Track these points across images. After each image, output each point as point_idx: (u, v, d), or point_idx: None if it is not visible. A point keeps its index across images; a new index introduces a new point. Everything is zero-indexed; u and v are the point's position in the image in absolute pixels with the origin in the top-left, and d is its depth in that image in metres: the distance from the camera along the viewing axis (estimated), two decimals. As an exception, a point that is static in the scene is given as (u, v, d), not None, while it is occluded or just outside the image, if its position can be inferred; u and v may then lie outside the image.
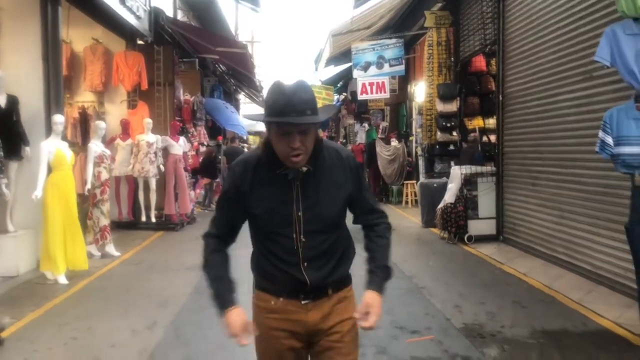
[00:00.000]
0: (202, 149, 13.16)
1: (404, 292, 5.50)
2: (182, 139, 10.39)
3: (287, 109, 1.69)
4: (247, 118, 1.94)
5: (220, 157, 13.78)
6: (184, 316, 4.82)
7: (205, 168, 12.72)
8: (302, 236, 1.81)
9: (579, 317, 4.63)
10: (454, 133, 9.81)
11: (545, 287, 5.55)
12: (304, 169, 1.80)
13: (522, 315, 4.68)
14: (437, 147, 10.20)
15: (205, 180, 13.15)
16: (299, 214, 1.81)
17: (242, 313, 1.84)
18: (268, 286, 1.90)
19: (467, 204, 8.19)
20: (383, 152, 13.79)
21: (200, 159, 12.60)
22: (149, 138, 9.36)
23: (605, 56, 3.82)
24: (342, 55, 13.27)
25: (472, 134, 9.63)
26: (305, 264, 1.82)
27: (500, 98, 7.97)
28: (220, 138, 15.84)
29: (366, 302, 1.82)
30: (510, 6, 7.65)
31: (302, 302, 1.85)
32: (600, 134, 3.81)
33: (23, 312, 4.85)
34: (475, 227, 8.18)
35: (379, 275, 1.90)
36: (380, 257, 1.93)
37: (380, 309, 1.83)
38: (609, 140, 3.76)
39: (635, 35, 3.70)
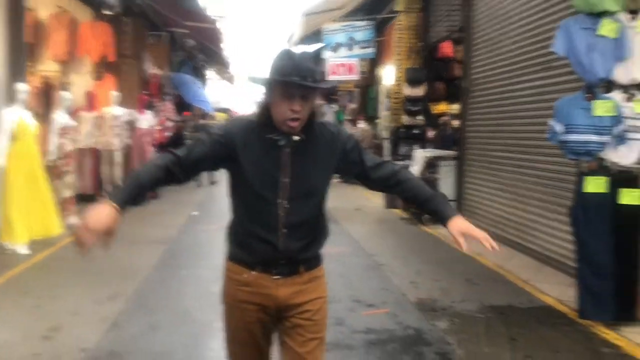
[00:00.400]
0: (169, 124, 13.06)
1: (364, 269, 5.71)
2: (149, 113, 10.30)
3: (294, 72, 1.75)
4: (251, 80, 1.94)
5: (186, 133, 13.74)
6: (147, 287, 4.90)
7: (174, 144, 12.66)
8: (285, 202, 1.84)
9: (525, 294, 4.92)
10: (419, 117, 10.02)
11: (496, 267, 5.85)
12: (296, 137, 1.84)
13: (472, 292, 4.94)
14: (403, 130, 10.41)
15: None
16: (286, 180, 1.84)
17: (113, 214, 1.75)
18: (242, 257, 1.91)
19: (428, 185, 8.44)
20: (351, 133, 13.96)
21: (169, 134, 12.53)
22: (115, 111, 9.24)
23: (560, 48, 4.03)
24: (314, 35, 13.28)
25: (443, 118, 9.87)
26: (285, 230, 1.85)
27: (465, 84, 8.20)
28: (187, 113, 15.72)
29: (459, 228, 1.86)
30: (478, -6, 7.84)
31: (274, 277, 1.88)
32: (551, 122, 4.03)
33: (-17, 281, 4.84)
34: (436, 208, 8.44)
35: (442, 203, 1.95)
36: (427, 191, 1.97)
37: (469, 225, 1.89)
38: (559, 128, 3.99)
39: (587, 29, 3.91)
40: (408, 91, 10.01)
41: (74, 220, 7.23)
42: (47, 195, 6.21)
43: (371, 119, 14.35)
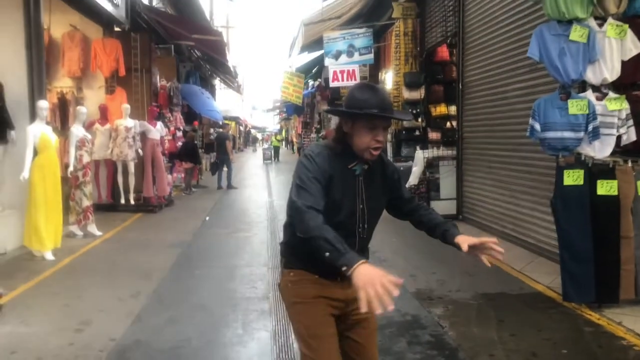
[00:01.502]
0: (179, 133, 13.50)
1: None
2: (159, 124, 10.74)
3: (379, 105, 1.91)
4: (328, 112, 1.98)
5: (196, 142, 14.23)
6: (165, 285, 5.30)
7: (187, 153, 13.13)
8: (360, 227, 2.02)
9: (517, 283, 5.27)
10: (420, 119, 10.37)
11: (494, 259, 6.16)
12: (365, 166, 2.02)
13: (467, 282, 5.28)
14: (404, 132, 10.77)
15: (186, 165, 13.54)
16: (361, 206, 2.02)
17: (369, 267, 1.71)
18: (310, 269, 2.00)
19: (429, 185, 8.81)
20: (355, 137, 14.31)
21: (181, 144, 12.98)
22: (127, 123, 9.68)
23: (535, 53, 4.38)
24: (315, 42, 13.67)
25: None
26: (359, 251, 1.97)
27: (460, 87, 8.55)
28: (196, 123, 16.19)
29: (465, 240, 2.01)
30: (469, 0, 8.20)
31: (339, 282, 1.97)
32: (530, 120, 4.39)
33: (15, 284, 5.24)
34: (437, 207, 8.77)
35: (453, 225, 2.11)
36: (440, 218, 2.18)
37: (475, 238, 2.04)
38: (537, 126, 4.34)
39: (558, 35, 4.26)
40: (407, 94, 10.37)
41: (92, 228, 7.68)
42: (60, 208, 6.63)
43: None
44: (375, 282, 1.59)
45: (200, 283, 5.41)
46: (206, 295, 5.00)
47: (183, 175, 13.70)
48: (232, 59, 26.76)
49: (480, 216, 8.00)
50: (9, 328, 4.11)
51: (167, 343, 3.83)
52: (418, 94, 10.18)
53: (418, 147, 9.75)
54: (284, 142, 41.62)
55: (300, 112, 28.12)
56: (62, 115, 9.98)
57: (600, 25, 4.26)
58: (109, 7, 9.26)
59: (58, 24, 9.75)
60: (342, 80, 11.22)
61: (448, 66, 10.19)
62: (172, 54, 14.28)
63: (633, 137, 4.26)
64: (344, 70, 11.18)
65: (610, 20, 4.25)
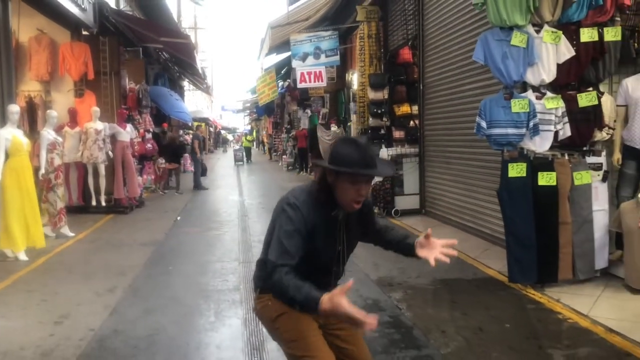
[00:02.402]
0: (148, 135, 13.60)
1: (333, 256, 6.40)
2: (129, 126, 10.87)
3: (364, 162, 1.96)
4: (333, 169, 2.00)
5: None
6: (140, 281, 5.53)
7: (173, 152, 13.42)
8: (336, 267, 2.16)
9: (472, 269, 5.68)
10: (384, 119, 10.75)
11: (451, 249, 6.59)
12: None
13: (426, 270, 5.60)
14: (369, 131, 11.14)
15: (171, 165, 13.76)
16: (340, 248, 2.14)
17: (333, 296, 1.82)
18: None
19: (393, 182, 9.19)
20: (324, 137, 14.66)
21: (150, 145, 13.12)
22: (97, 126, 9.78)
23: (480, 56, 4.78)
24: (283, 43, 13.96)
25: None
26: (332, 287, 1.97)
27: (421, 87, 8.97)
28: (165, 125, 16.28)
29: (430, 244, 2.17)
30: (427, 5, 8.63)
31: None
32: (477, 119, 4.78)
33: (-9, 283, 5.40)
34: (402, 202, 9.21)
35: (409, 238, 2.26)
36: (400, 235, 2.31)
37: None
38: (483, 124, 4.74)
39: (501, 40, 4.67)
40: (372, 95, 10.74)
41: (65, 230, 7.80)
42: (37, 209, 6.77)
43: (343, 121, 15.09)
44: (338, 312, 1.77)
45: (173, 278, 5.65)
46: (180, 288, 5.25)
47: (154, 176, 13.81)
48: (201, 60, 26.85)
49: (441, 209, 8.43)
50: (-11, 323, 4.29)
51: (144, 332, 4.07)
52: (382, 94, 10.56)
53: (383, 146, 10.13)
54: (255, 143, 41.64)
55: (271, 113, 28.36)
56: (31, 119, 9.99)
57: (538, 32, 4.68)
58: (76, 11, 9.36)
59: (25, 28, 9.75)
60: (310, 81, 11.54)
61: (411, 67, 10.55)
62: (140, 57, 14.35)
63: (568, 133, 4.69)
64: (311, 71, 11.51)
65: (546, 27, 4.67)
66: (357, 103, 11.56)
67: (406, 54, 10.58)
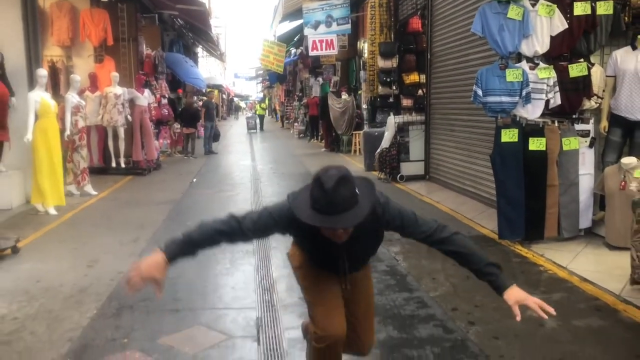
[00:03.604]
0: (164, 101, 14.03)
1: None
2: (146, 92, 11.29)
3: (330, 209, 1.84)
4: (301, 219, 1.93)
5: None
6: (160, 233, 6.01)
7: (190, 118, 13.94)
8: (346, 274, 2.28)
9: (467, 228, 6.09)
10: (393, 87, 11.05)
11: (450, 210, 7.01)
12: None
13: (425, 228, 6.08)
14: (379, 99, 11.45)
15: (187, 130, 14.27)
16: (342, 261, 2.21)
17: (163, 266, 2.09)
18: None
19: (400, 148, 9.55)
20: (335, 104, 14.95)
21: (166, 111, 13.57)
22: (116, 90, 10.21)
23: (478, 28, 5.08)
24: (297, 11, 14.15)
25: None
26: (345, 274, 2.29)
27: (429, 56, 9.23)
28: (180, 91, 16.69)
29: (515, 298, 1.98)
30: (437, -25, 8.81)
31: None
32: (474, 87, 5.12)
33: (26, 234, 5.92)
34: (407, 168, 9.59)
35: (496, 274, 2.05)
36: (478, 262, 2.07)
37: (524, 295, 2.00)
38: (480, 92, 5.07)
39: (498, 13, 4.96)
40: (381, 63, 11.02)
41: (88, 188, 8.32)
42: (61, 168, 7.27)
43: (354, 89, 15.35)
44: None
45: (191, 231, 6.13)
46: (197, 240, 5.73)
47: (170, 141, 14.28)
48: (215, 26, 26.95)
49: (444, 175, 8.80)
50: (29, 265, 4.82)
51: (167, 275, 4.56)
52: (391, 63, 10.82)
53: (391, 113, 10.46)
54: (267, 110, 41.92)
55: (283, 81, 28.56)
56: (53, 82, 10.45)
57: (533, 5, 4.95)
58: (96, -22, 9.70)
59: (45, -6, 10.14)
60: (321, 49, 11.81)
61: (420, 37, 10.81)
62: (156, 23, 14.64)
63: (558, 101, 5.01)
64: (323, 39, 11.76)
65: (541, 1, 4.95)
66: (367, 71, 11.83)
67: (416, 23, 10.82)
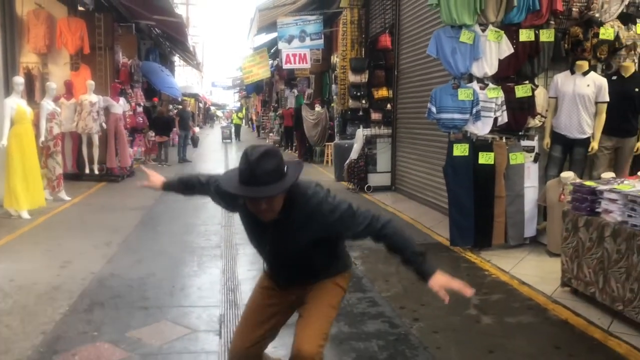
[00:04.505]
0: (139, 109, 14.21)
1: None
2: (122, 100, 11.49)
3: (251, 180, 1.90)
4: (223, 188, 2.09)
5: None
6: (132, 238, 6.27)
7: (163, 126, 14.15)
8: (269, 259, 2.34)
9: (424, 235, 6.49)
10: (363, 101, 11.47)
11: (411, 220, 7.41)
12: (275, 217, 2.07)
13: (385, 235, 6.44)
14: (349, 112, 11.86)
15: (160, 138, 14.46)
16: (267, 248, 2.24)
17: (160, 183, 2.81)
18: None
19: (367, 160, 9.95)
20: (308, 116, 15.33)
21: (141, 119, 13.76)
22: (92, 98, 10.38)
23: (432, 51, 5.51)
24: (272, 25, 14.52)
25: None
26: (280, 272, 2.36)
27: (396, 72, 9.68)
28: (155, 99, 16.86)
29: (439, 283, 2.07)
30: (404, -3, 9.29)
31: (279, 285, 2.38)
32: (429, 104, 5.53)
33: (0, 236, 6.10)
34: (374, 179, 9.99)
35: (422, 262, 2.15)
36: (405, 250, 2.16)
37: (447, 279, 2.11)
38: (434, 109, 5.49)
39: (451, 37, 5.39)
40: (352, 78, 11.44)
41: (62, 194, 8.48)
42: (38, 172, 7.45)
43: (327, 102, 15.75)
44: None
45: (162, 236, 6.40)
46: (168, 244, 6.00)
47: (144, 148, 14.44)
48: (192, 35, 27.20)
49: (408, 186, 9.22)
50: (4, 265, 5.02)
51: (136, 275, 4.82)
52: (362, 78, 11.26)
53: (360, 126, 10.87)
54: (244, 120, 42.10)
55: (260, 91, 28.86)
56: (28, 89, 10.56)
57: (483, 31, 5.40)
58: (74, -12, 9.91)
59: (24, 2, 10.27)
60: (295, 62, 12.20)
61: (389, 53, 11.27)
62: (133, 32, 14.84)
63: (505, 119, 5.45)
64: (296, 53, 12.15)
65: (490, 27, 5.40)
66: (338, 85, 12.25)
67: (386, 40, 11.28)
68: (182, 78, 31.58)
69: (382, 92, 11.27)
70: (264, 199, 1.94)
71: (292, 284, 2.33)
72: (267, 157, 1.92)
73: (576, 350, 3.39)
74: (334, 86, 13.08)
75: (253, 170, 1.89)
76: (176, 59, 25.60)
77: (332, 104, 15.56)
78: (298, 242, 2.13)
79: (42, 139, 8.07)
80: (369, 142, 10.06)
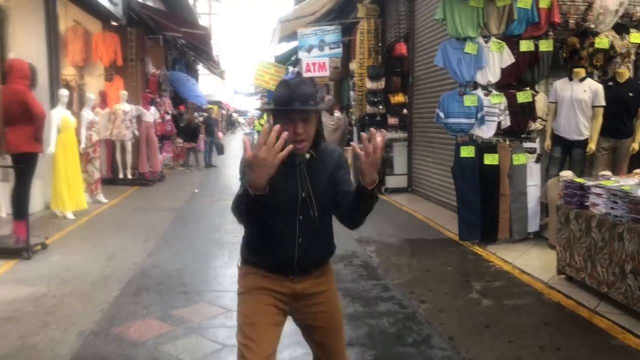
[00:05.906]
0: (167, 117, 14.95)
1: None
2: (152, 108, 12.22)
3: (291, 100, 1.93)
4: (260, 110, 2.22)
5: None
6: (167, 234, 6.87)
7: (191, 133, 14.89)
8: (301, 215, 2.02)
9: (436, 232, 6.96)
10: (380, 107, 11.96)
11: (425, 218, 7.88)
12: (307, 155, 2.01)
13: (399, 232, 6.95)
14: (367, 117, 12.36)
15: (188, 145, 15.23)
16: (303, 194, 2.02)
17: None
18: (257, 261, 2.09)
19: (384, 163, 10.44)
20: (328, 122, 15.82)
21: (169, 126, 14.54)
22: (125, 107, 11.11)
23: (439, 61, 6.00)
24: (292, 34, 15.11)
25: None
26: (300, 240, 2.03)
27: (411, 79, 10.17)
28: (182, 107, 17.63)
29: (368, 176, 1.89)
30: (418, 7, 9.78)
31: (290, 277, 2.09)
32: (437, 110, 6.02)
33: (49, 234, 6.75)
34: (391, 181, 10.47)
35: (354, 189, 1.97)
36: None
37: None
38: (442, 114, 5.97)
39: (457, 48, 5.88)
40: (369, 85, 11.94)
41: (100, 197, 9.16)
42: (80, 177, 8.14)
43: (345, 108, 16.27)
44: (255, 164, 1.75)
45: (193, 234, 6.99)
46: (199, 241, 6.59)
47: (172, 154, 15.18)
48: (215, 44, 27.99)
49: (424, 188, 9.68)
50: (58, 257, 5.66)
51: (174, 266, 5.41)
52: (378, 85, 11.75)
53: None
54: (265, 126, 42.68)
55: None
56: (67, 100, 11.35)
57: (486, 42, 5.88)
58: (108, 5, 10.65)
59: (63, 19, 11.06)
60: (314, 71, 12.72)
61: (405, 60, 11.76)
62: (160, 44, 15.62)
63: (508, 123, 5.91)
64: (316, 62, 12.68)
65: (493, 38, 5.88)
66: (356, 92, 12.76)
67: (402, 48, 11.76)
68: (205, 86, 32.45)
69: (398, 98, 11.73)
70: (307, 113, 1.95)
71: (307, 264, 2.09)
72: (306, 83, 2.02)
73: (563, 325, 3.85)
74: (351, 93, 13.59)
75: (294, 92, 1.95)
76: (200, 67, 26.45)
77: (351, 110, 16.10)
78: (327, 187, 2.07)
79: (83, 146, 8.76)
80: (386, 145, 10.55)
